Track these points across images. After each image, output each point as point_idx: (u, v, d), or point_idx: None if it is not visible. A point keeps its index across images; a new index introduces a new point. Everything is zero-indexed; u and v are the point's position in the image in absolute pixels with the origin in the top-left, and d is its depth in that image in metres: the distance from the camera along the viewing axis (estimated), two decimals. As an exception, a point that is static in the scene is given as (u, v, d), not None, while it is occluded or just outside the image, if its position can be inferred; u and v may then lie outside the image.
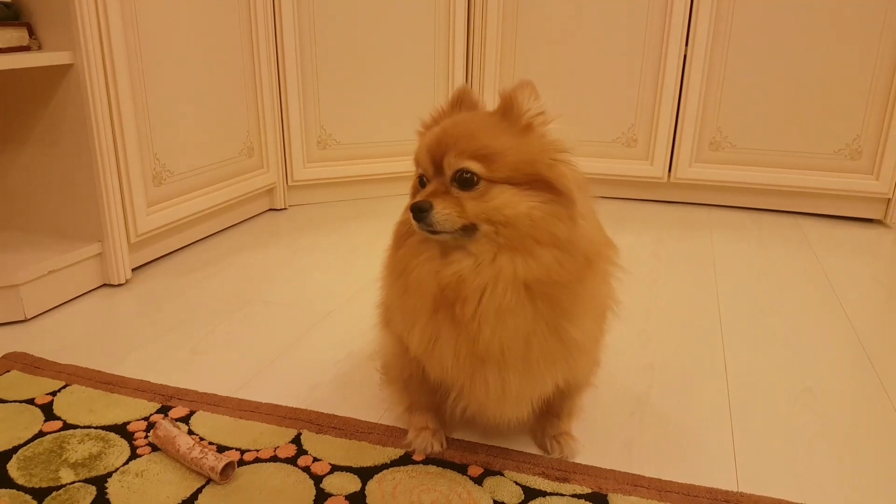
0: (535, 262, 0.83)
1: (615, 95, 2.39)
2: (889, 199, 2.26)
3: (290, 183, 2.34)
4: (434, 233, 0.85)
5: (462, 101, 0.95)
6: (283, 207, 2.36)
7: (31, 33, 1.53)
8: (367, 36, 2.29)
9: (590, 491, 0.96)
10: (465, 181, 0.85)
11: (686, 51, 2.28)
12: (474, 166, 0.84)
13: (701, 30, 2.24)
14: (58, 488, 0.95)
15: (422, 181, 0.90)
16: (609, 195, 2.51)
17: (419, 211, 0.84)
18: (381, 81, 2.36)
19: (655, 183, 2.46)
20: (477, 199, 0.84)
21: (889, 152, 2.19)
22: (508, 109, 0.87)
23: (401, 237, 0.94)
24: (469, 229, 0.85)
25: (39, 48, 1.54)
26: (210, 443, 1.06)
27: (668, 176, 2.42)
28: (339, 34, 2.26)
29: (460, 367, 0.90)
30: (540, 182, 0.84)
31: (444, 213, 0.84)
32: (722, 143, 2.35)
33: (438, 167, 0.87)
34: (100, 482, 0.96)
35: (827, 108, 2.24)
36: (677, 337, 1.47)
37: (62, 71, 1.53)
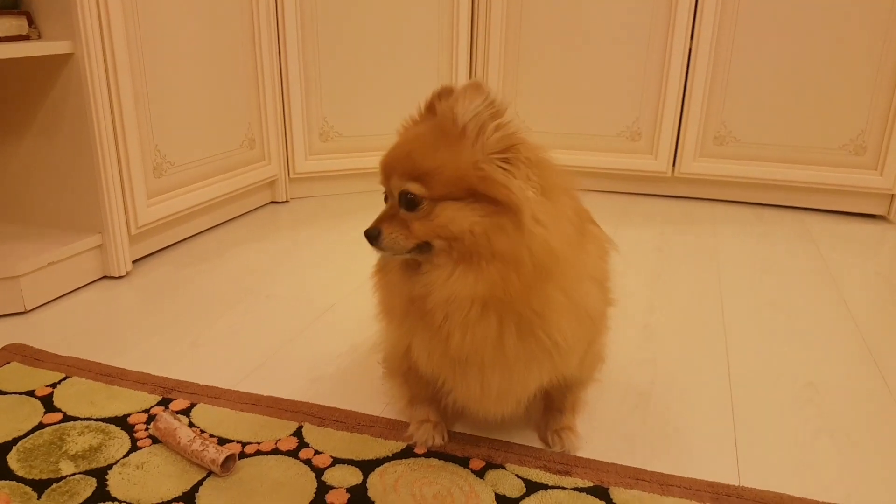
0: (482, 278, 0.82)
1: (619, 89, 2.38)
2: (893, 195, 2.25)
3: (291, 175, 2.33)
4: (390, 253, 0.88)
5: (434, 108, 0.90)
6: (284, 200, 2.35)
7: (31, 22, 1.52)
8: (369, 27, 2.28)
9: (591, 484, 0.96)
10: (409, 203, 0.85)
11: (691, 45, 2.27)
12: (414, 187, 0.84)
13: (706, 24, 2.23)
14: (58, 480, 0.95)
15: (386, 197, 0.91)
16: (613, 189, 2.50)
17: (370, 237, 0.87)
18: (384, 73, 2.35)
19: (659, 177, 2.44)
20: (422, 218, 0.84)
21: (893, 148, 2.18)
22: (444, 120, 0.84)
23: None
24: (423, 247, 0.86)
25: (39, 37, 1.53)
26: (211, 435, 1.05)
27: (673, 170, 2.41)
28: (341, 25, 2.25)
29: (439, 365, 0.91)
30: (479, 194, 0.82)
31: (391, 237, 0.86)
32: (726, 137, 2.34)
33: (390, 190, 0.89)
34: (100, 474, 0.96)
35: (831, 104, 2.22)
36: (680, 331, 1.47)
37: (62, 61, 1.52)
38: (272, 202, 2.35)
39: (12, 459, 0.99)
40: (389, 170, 0.88)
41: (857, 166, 2.25)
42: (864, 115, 2.20)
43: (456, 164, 0.82)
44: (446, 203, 0.83)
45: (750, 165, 2.34)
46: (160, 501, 0.91)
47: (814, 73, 2.21)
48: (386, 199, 0.91)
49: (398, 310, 0.92)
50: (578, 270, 0.88)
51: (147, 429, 1.06)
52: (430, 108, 0.90)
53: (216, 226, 2.09)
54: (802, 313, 1.57)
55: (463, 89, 0.83)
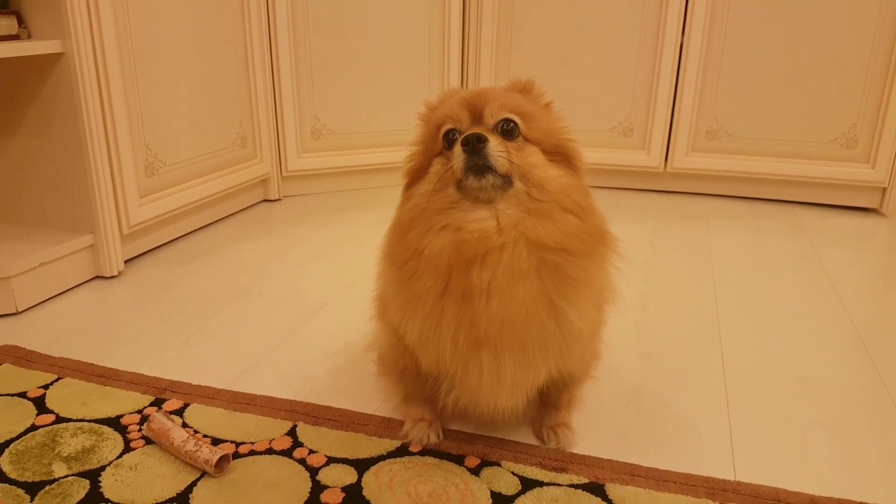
0: (556, 227, 0.85)
1: (611, 84, 2.37)
2: (885, 188, 2.26)
3: (284, 173, 2.32)
4: (481, 172, 0.84)
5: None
6: (277, 198, 2.35)
7: (21, 22, 1.51)
8: (361, 24, 2.27)
9: (587, 481, 0.96)
10: (509, 131, 0.87)
11: (682, 40, 2.27)
12: (517, 119, 0.88)
13: (697, 19, 2.23)
14: (51, 482, 0.94)
15: (448, 136, 0.89)
16: (605, 185, 2.50)
17: (476, 142, 0.83)
18: (376, 70, 2.34)
19: (652, 172, 2.45)
20: (517, 151, 0.87)
21: (885, 141, 2.19)
22: (528, 89, 0.95)
23: (410, 221, 0.90)
24: (506, 182, 0.86)
25: (29, 37, 1.52)
26: (204, 435, 1.05)
27: (665, 165, 2.41)
28: (333, 22, 2.24)
29: (457, 352, 0.89)
30: (559, 155, 0.90)
31: (499, 148, 0.85)
32: (718, 132, 2.34)
33: (477, 117, 0.89)
34: (93, 476, 0.95)
35: (823, 97, 2.23)
36: (674, 326, 1.47)
37: (52, 60, 1.51)
38: (264, 200, 2.34)
39: (5, 462, 0.98)
40: (485, 101, 0.89)
41: (849, 160, 2.25)
42: (855, 109, 2.21)
43: (548, 121, 0.91)
44: (536, 149, 0.88)
45: (742, 160, 2.34)
46: (154, 502, 0.90)
47: (805, 66, 2.21)
48: (448, 140, 0.89)
49: (435, 287, 0.86)
50: (610, 255, 0.92)
51: (140, 430, 1.06)
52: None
53: (208, 224, 2.08)
54: (796, 307, 1.57)
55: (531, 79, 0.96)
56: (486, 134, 0.85)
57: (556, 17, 2.35)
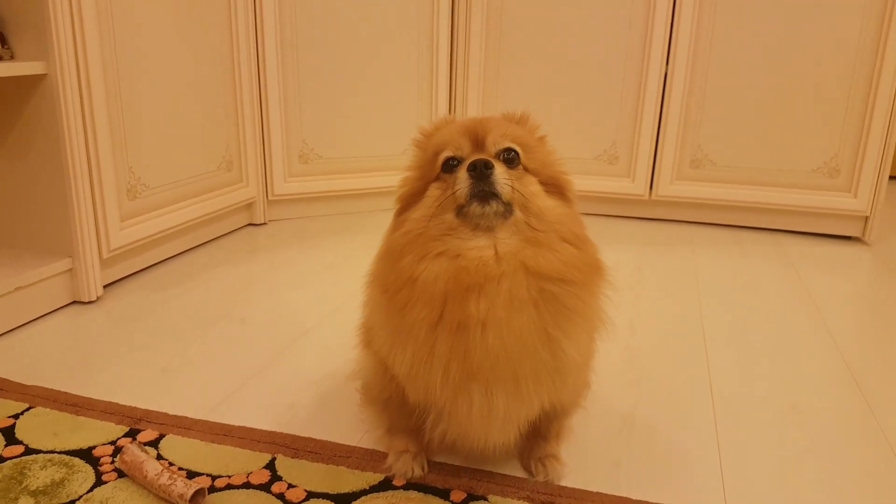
0: (555, 256, 0.85)
1: (597, 113, 2.39)
2: (867, 217, 2.28)
3: (270, 197, 2.30)
4: (486, 199, 0.84)
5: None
6: (262, 222, 2.32)
7: (3, 42, 1.49)
8: (350, 48, 2.28)
9: (575, 516, 0.93)
10: (511, 160, 0.88)
11: (667, 69, 2.30)
12: (518, 148, 0.89)
13: (681, 48, 2.26)
14: (17, 518, 0.90)
15: (448, 163, 0.89)
16: (591, 212, 2.51)
17: (484, 167, 0.83)
18: (364, 95, 2.34)
19: (637, 200, 2.46)
20: (518, 180, 0.87)
21: (867, 170, 2.21)
22: (524, 121, 0.96)
23: (403, 247, 0.87)
24: (508, 209, 0.85)
25: (11, 58, 1.50)
26: (180, 468, 1.01)
27: (650, 193, 2.42)
28: (322, 47, 2.24)
29: (448, 385, 0.85)
30: (553, 186, 0.91)
31: (504, 176, 0.85)
32: (703, 160, 2.36)
33: (479, 145, 0.89)
34: (62, 511, 0.91)
35: (805, 127, 2.26)
36: (662, 353, 1.45)
37: (35, 81, 1.49)
38: (250, 224, 2.32)
39: (-32, 496, 0.94)
40: (486, 129, 0.89)
41: (832, 189, 2.28)
42: (837, 139, 2.24)
43: (544, 153, 0.93)
44: (533, 179, 0.89)
45: (726, 188, 2.36)
46: (125, 540, 0.87)
47: (788, 97, 2.24)
48: (446, 167, 0.88)
49: (429, 317, 0.84)
50: (603, 285, 0.91)
51: (113, 462, 1.02)
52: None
53: (192, 249, 2.05)
54: (783, 334, 1.57)
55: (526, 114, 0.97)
56: (492, 161, 0.85)
57: (542, 47, 2.37)
